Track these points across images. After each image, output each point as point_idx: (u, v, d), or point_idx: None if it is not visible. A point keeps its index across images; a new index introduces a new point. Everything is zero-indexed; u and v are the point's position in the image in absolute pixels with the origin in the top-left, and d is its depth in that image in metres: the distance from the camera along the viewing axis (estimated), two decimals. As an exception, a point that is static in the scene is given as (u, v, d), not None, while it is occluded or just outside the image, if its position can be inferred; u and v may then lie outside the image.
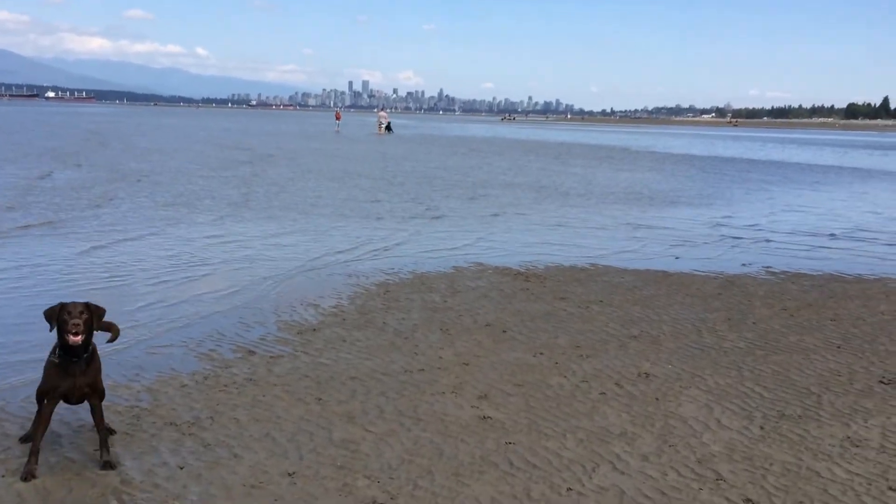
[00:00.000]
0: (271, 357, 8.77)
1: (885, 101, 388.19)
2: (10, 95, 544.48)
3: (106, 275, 12.43)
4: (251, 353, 8.90)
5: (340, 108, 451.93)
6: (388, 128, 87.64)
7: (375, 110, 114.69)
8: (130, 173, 29.62)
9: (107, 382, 7.56)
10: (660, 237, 18.80)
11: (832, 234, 20.35)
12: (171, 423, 6.82)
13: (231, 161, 39.15)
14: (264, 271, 13.26)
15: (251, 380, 7.99)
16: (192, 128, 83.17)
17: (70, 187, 24.55)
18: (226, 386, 7.78)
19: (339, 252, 15.37)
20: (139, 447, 6.32)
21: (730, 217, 23.41)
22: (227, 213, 20.18)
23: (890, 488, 6.14)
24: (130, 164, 34.34)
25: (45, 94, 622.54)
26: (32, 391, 6.42)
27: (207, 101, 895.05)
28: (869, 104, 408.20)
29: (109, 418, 6.67)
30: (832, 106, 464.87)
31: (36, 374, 6.55)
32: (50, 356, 5.93)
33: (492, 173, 36.70)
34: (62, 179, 26.68)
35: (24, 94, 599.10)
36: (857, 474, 6.38)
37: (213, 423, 6.85)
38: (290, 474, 5.95)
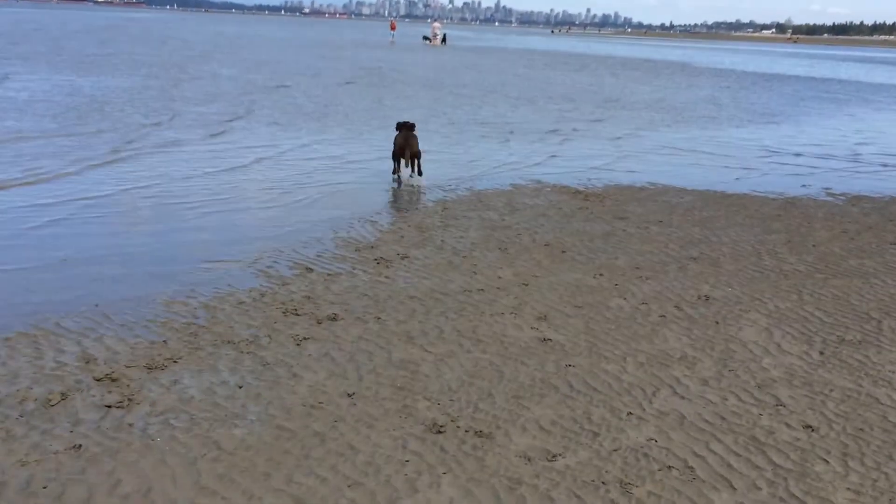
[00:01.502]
0: (329, 275, 8.69)
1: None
2: None
3: (209, 198, 11.98)
4: (309, 270, 8.83)
5: (396, 17, 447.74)
6: (444, 39, 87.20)
7: (429, 20, 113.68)
8: (258, 86, 29.58)
9: (162, 298, 7.70)
10: (720, 157, 18.48)
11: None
12: (228, 341, 6.78)
13: (345, 72, 39.33)
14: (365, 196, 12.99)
15: (309, 297, 7.93)
16: (275, 40, 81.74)
17: (204, 97, 24.87)
18: (283, 303, 7.73)
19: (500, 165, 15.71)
20: (197, 365, 6.30)
21: (790, 137, 22.98)
22: (362, 128, 20.01)
23: (949, 415, 6.01)
24: (252, 76, 34.29)
25: None
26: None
27: (260, 8, 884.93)
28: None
29: (165, 335, 6.81)
30: (894, 23, 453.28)
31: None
32: None
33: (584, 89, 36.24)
34: (194, 90, 26.73)
35: None
36: None
37: (271, 342, 6.81)
38: (349, 395, 5.90)
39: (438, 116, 23.35)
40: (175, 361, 6.29)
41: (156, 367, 6.16)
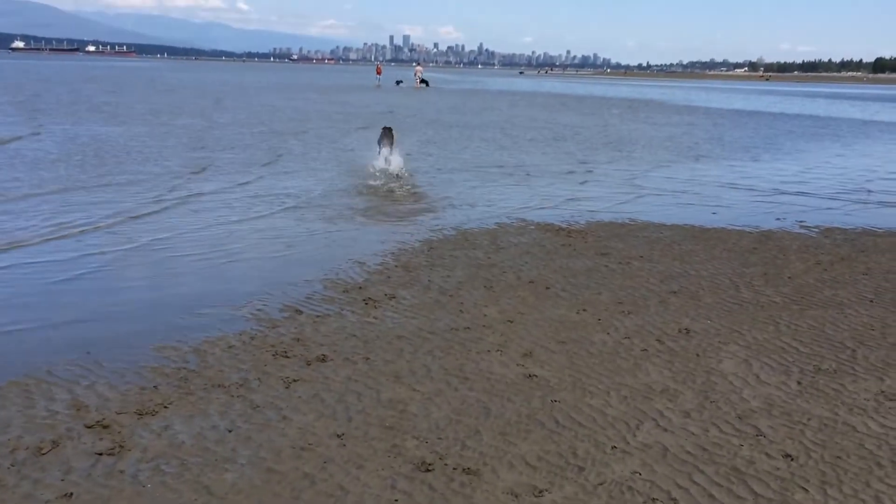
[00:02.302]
0: (318, 316, 8.61)
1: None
2: (51, 49, 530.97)
3: (214, 249, 11.62)
4: (298, 312, 8.74)
5: (382, 61, 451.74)
6: (424, 81, 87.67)
7: (413, 64, 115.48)
8: (277, 132, 29.58)
9: (152, 343, 7.62)
10: (698, 193, 18.55)
11: (865, 189, 20.03)
12: (219, 385, 6.69)
13: (356, 116, 39.42)
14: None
15: (298, 339, 7.85)
16: (275, 86, 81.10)
17: (231, 144, 24.80)
18: (273, 346, 7.65)
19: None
20: (188, 410, 6.21)
21: (765, 172, 23.10)
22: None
23: (922, 440, 6.02)
24: (268, 120, 34.43)
25: (86, 49, 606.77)
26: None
27: (250, 56, 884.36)
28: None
29: (156, 380, 6.72)
30: (860, 60, 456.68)
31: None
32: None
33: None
34: (219, 137, 26.15)
35: (65, 48, 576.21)
36: (892, 428, 6.30)
37: (261, 385, 6.72)
38: (338, 436, 5.83)
39: (460, 158, 23.30)
40: (166, 407, 6.20)
41: (147, 413, 6.08)
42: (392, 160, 19.09)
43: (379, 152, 19.36)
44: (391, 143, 19.25)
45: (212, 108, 42.25)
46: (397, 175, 18.44)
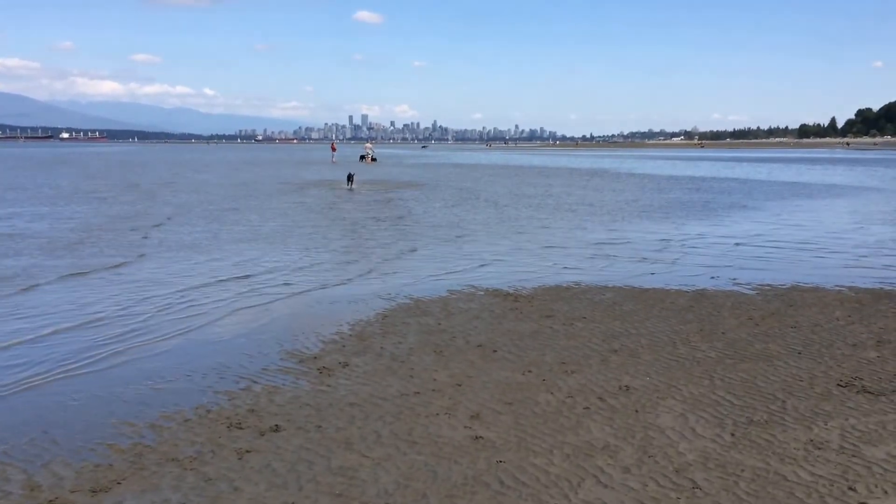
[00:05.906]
0: (273, 387, 8.45)
1: (833, 121, 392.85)
2: (25, 137, 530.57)
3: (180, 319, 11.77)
4: (254, 383, 8.58)
5: (342, 140, 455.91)
6: (373, 158, 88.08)
7: (366, 142, 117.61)
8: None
9: (110, 420, 7.40)
10: (640, 254, 18.60)
11: (792, 245, 20.25)
12: (173, 459, 6.49)
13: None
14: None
15: (253, 411, 7.68)
16: (265, 161, 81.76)
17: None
18: (228, 418, 7.47)
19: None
20: (140, 485, 6.01)
21: (699, 233, 23.28)
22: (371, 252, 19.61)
23: (850, 488, 6.01)
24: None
25: (60, 135, 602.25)
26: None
27: (217, 137, 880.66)
28: (818, 124, 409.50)
29: (111, 457, 6.52)
30: (786, 127, 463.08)
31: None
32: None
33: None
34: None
35: (39, 136, 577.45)
36: (821, 476, 6.24)
37: (214, 457, 6.53)
38: (288, 505, 5.67)
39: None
40: (119, 483, 6.00)
41: (100, 490, 5.87)
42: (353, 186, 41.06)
43: (349, 181, 41.84)
44: (353, 178, 42.38)
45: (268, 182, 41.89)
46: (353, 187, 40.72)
